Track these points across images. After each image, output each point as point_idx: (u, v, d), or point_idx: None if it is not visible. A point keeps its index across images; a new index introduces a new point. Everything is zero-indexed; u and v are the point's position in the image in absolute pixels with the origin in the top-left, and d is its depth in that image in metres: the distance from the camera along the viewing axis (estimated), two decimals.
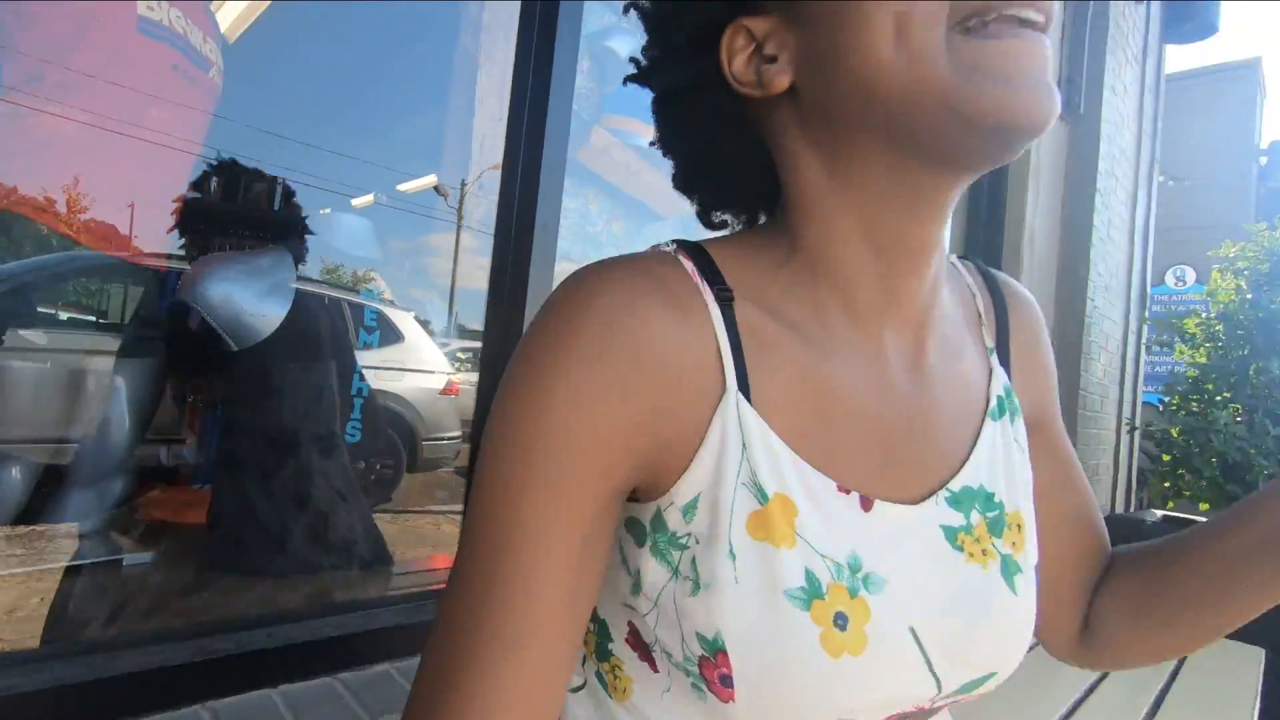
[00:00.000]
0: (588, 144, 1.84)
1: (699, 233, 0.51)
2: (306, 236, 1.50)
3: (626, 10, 0.48)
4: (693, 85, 0.45)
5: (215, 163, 1.41)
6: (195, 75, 1.43)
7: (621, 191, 1.93)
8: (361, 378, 1.45)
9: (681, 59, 0.45)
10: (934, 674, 0.42)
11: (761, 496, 0.39)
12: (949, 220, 0.43)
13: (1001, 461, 0.48)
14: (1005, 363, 0.51)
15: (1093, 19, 3.05)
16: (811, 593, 0.39)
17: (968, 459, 0.46)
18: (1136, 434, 3.72)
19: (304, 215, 1.51)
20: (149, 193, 1.45)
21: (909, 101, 0.37)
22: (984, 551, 0.45)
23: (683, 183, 0.51)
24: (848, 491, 0.41)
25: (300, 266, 1.42)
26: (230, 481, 1.38)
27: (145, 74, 1.35)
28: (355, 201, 2.09)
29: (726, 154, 0.47)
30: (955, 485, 0.45)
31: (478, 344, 1.58)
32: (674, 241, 0.44)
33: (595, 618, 0.48)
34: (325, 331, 1.43)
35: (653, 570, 0.42)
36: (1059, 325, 3.07)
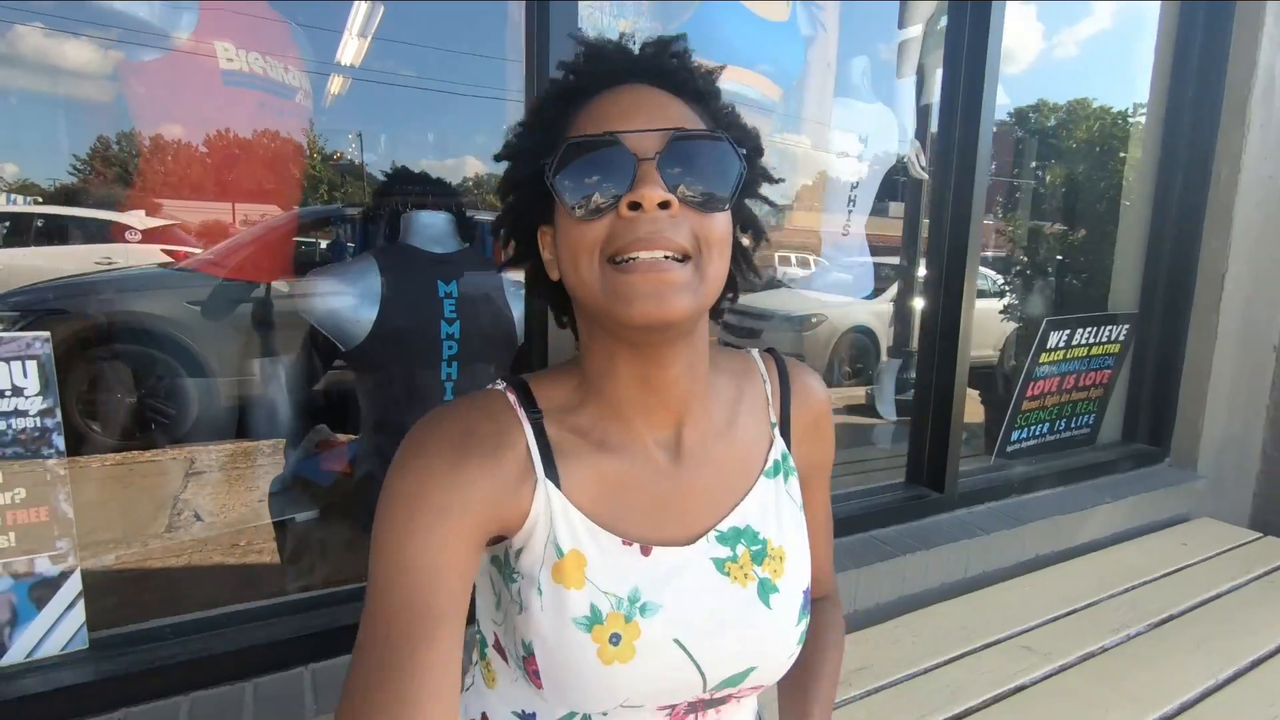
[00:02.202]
0: None
1: None
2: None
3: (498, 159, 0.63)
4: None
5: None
6: (280, 106, 1.61)
7: None
8: (449, 363, 1.61)
9: (522, 229, 0.63)
10: (700, 671, 0.60)
11: (559, 553, 0.57)
12: (688, 357, 0.59)
13: (772, 508, 0.66)
14: (786, 434, 0.69)
15: None
16: (593, 620, 0.56)
17: (736, 507, 0.64)
18: None
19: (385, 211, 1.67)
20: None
21: (587, 302, 0.55)
22: (745, 575, 0.62)
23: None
24: (630, 544, 0.59)
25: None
26: (363, 470, 1.66)
27: (237, 115, 1.54)
28: None
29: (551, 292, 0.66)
30: (724, 527, 0.63)
31: None
32: (503, 379, 0.63)
33: (478, 631, 0.69)
34: (415, 325, 1.60)
35: (502, 595, 0.61)
36: None
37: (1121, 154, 3.04)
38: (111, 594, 2.09)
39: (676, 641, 0.58)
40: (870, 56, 2.29)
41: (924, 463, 1.89)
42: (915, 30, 2.53)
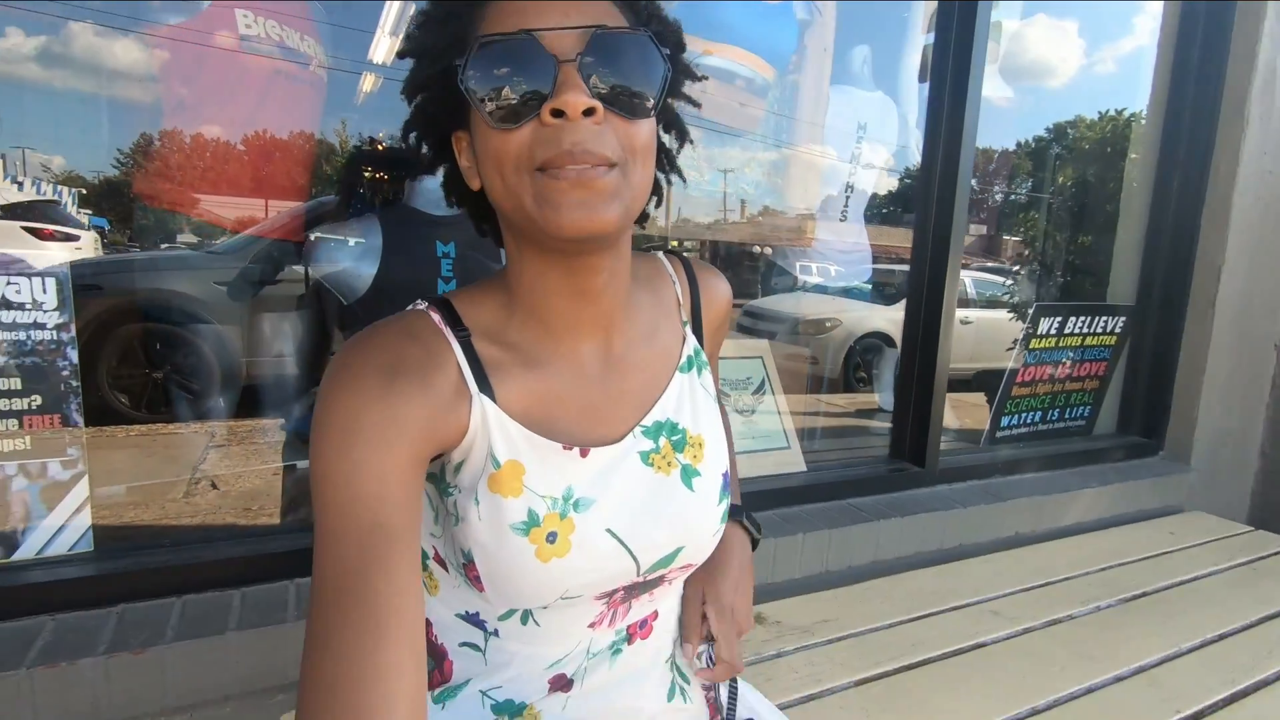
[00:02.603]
0: None
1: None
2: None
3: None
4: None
5: None
6: (294, 72, 1.70)
7: (701, 118, 1.89)
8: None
9: (434, 133, 0.62)
10: (633, 557, 0.63)
11: (495, 463, 0.59)
12: (614, 264, 0.60)
13: (688, 401, 0.69)
14: (697, 330, 0.73)
15: None
16: (530, 523, 0.59)
17: (656, 403, 0.67)
18: None
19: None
20: (275, 178, 1.79)
21: (514, 215, 0.55)
22: (668, 464, 0.66)
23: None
24: (570, 448, 0.61)
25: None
26: None
27: (252, 84, 1.64)
28: None
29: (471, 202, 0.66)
30: (647, 421, 0.66)
31: None
32: (425, 300, 0.63)
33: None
34: (413, 281, 1.69)
35: (440, 509, 0.64)
36: None
37: (1133, 155, 3.05)
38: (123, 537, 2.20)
39: (609, 531, 0.61)
40: (873, 46, 2.34)
41: (906, 438, 1.93)
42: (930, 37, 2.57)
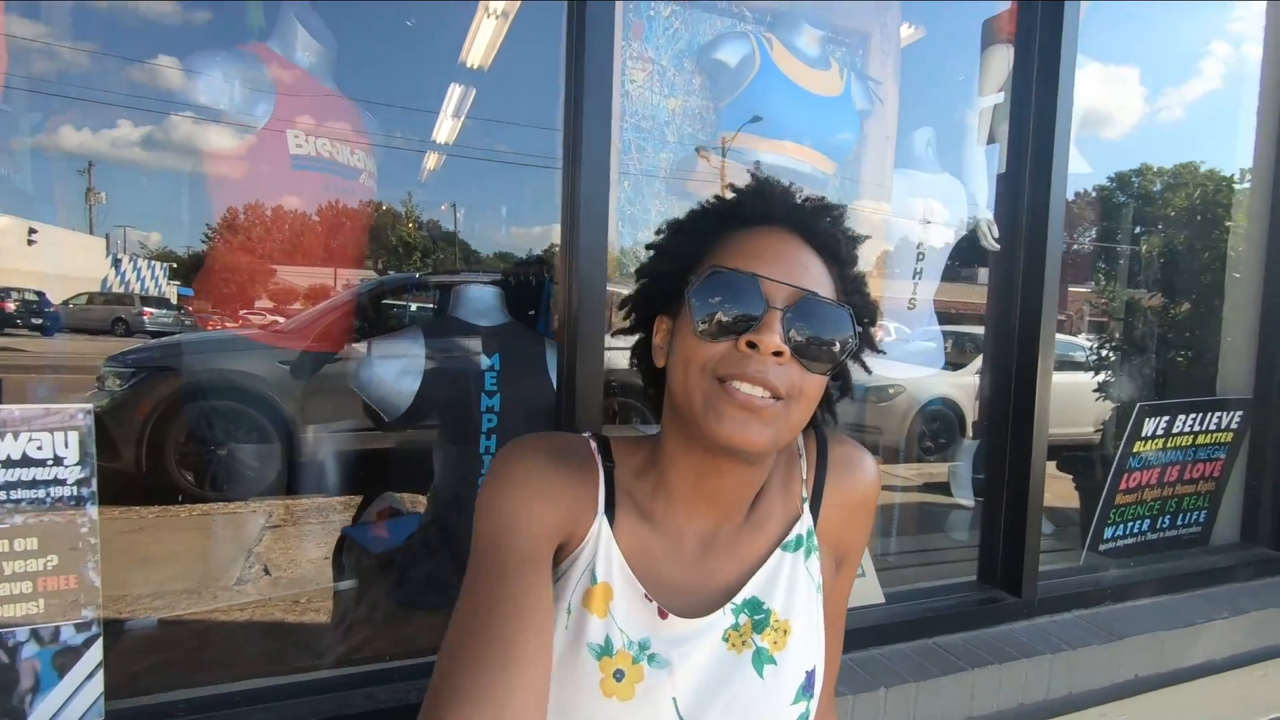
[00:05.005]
0: (697, 169, 1.74)
1: None
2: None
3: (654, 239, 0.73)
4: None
5: None
6: (346, 186, 1.70)
7: None
8: (488, 435, 1.60)
9: (645, 310, 0.72)
10: None
11: (593, 579, 0.65)
12: (742, 480, 0.67)
13: (785, 581, 0.69)
14: (815, 511, 0.73)
15: None
16: (604, 650, 0.63)
17: (749, 580, 0.68)
18: None
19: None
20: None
21: (682, 405, 0.62)
22: (743, 643, 0.66)
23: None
24: (650, 600, 0.65)
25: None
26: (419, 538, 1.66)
27: (304, 195, 1.63)
28: None
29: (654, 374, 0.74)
30: (738, 599, 0.67)
31: None
32: (586, 431, 0.73)
33: None
34: (455, 396, 1.61)
35: None
36: None
37: (1227, 222, 2.81)
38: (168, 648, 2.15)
39: (674, 701, 0.63)
40: (935, 127, 2.22)
41: (998, 560, 1.71)
42: (996, 98, 2.45)
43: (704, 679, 0.64)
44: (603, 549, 0.65)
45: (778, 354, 0.58)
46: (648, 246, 0.71)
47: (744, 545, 0.69)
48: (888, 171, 2.03)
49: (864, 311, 0.65)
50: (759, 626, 0.67)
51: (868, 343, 0.68)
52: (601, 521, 0.65)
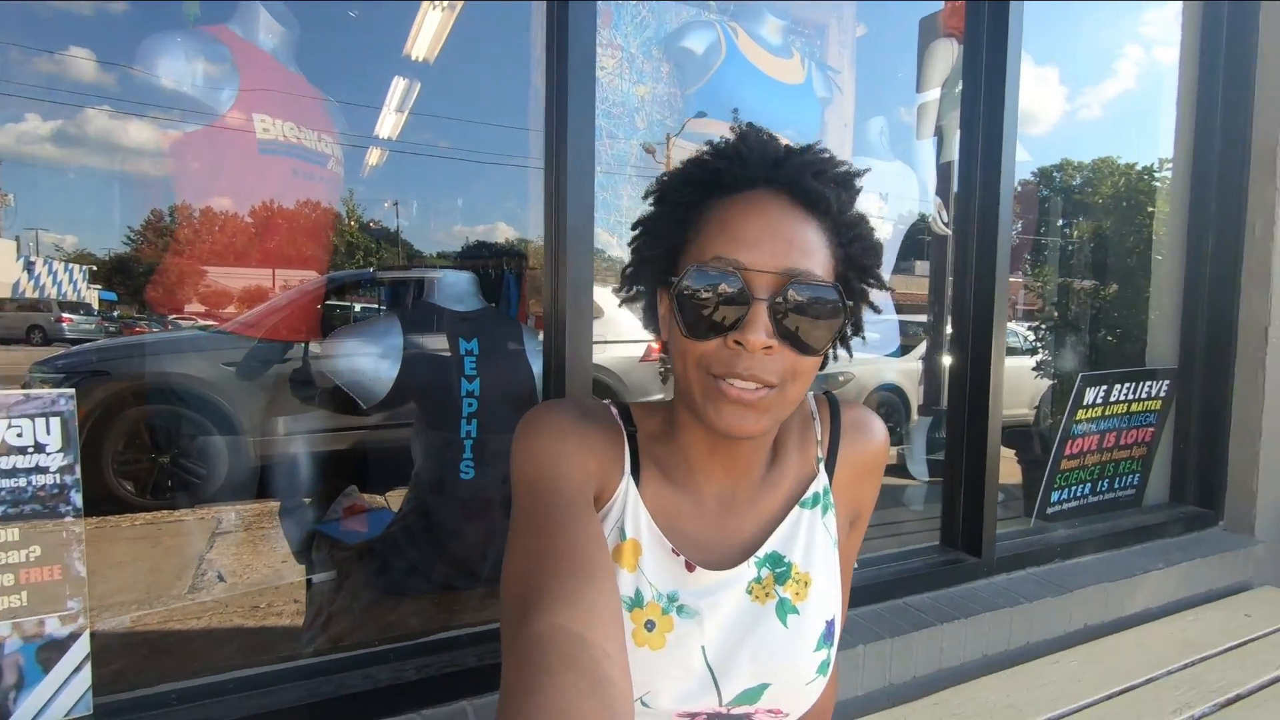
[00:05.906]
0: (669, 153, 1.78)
1: None
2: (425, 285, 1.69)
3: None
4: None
5: None
6: (312, 171, 1.67)
7: None
8: (469, 420, 1.60)
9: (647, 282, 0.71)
10: (716, 685, 0.66)
11: (622, 535, 0.67)
12: (753, 447, 0.69)
13: (804, 536, 0.72)
14: (830, 470, 0.75)
15: None
16: (635, 602, 0.66)
17: (771, 535, 0.71)
18: None
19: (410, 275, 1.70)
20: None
21: (683, 393, 0.65)
22: (766, 594, 0.69)
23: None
24: (678, 555, 0.67)
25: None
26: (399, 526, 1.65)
27: (271, 180, 1.60)
28: None
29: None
30: (760, 554, 0.70)
31: None
32: (609, 400, 0.75)
33: None
34: (435, 382, 1.61)
35: None
36: None
37: (1149, 209, 3.01)
38: (125, 655, 2.07)
39: (702, 649, 0.66)
40: (887, 117, 2.32)
41: (958, 525, 1.81)
42: (933, 94, 2.57)
43: (731, 628, 0.66)
44: (630, 508, 0.67)
45: (766, 348, 0.58)
46: (634, 225, 0.70)
47: (763, 502, 0.71)
48: (847, 157, 2.11)
49: (863, 274, 0.64)
50: (781, 579, 0.69)
51: (858, 324, 0.68)
52: (629, 481, 0.67)
